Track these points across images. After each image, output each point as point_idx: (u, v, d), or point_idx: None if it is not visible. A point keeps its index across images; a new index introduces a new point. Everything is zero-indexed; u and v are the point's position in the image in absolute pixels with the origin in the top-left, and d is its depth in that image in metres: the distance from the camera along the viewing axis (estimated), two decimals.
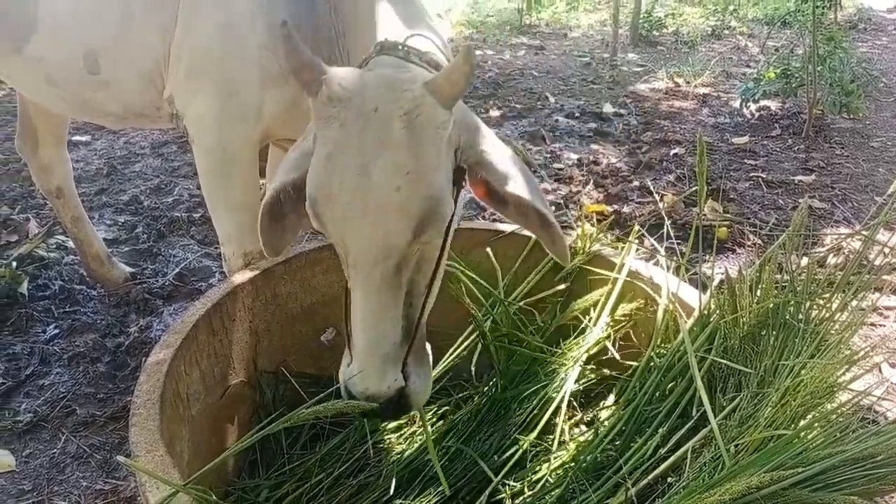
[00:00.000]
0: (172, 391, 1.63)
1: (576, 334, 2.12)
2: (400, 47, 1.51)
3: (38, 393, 2.71)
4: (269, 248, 1.55)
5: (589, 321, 2.11)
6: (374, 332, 1.31)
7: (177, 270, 3.53)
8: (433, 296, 1.45)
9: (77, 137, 5.12)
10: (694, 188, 4.41)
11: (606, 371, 2.07)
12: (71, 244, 3.58)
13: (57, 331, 3.04)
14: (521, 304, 2.16)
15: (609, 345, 2.05)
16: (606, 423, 1.80)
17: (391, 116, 1.25)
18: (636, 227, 2.26)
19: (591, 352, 2.05)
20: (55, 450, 2.45)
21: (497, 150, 1.41)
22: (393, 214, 1.24)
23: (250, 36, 1.94)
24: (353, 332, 1.34)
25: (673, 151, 5.23)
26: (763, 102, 6.20)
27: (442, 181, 1.29)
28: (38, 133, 3.09)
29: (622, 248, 2.17)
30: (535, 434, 1.89)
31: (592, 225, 2.25)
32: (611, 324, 2.07)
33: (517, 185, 1.36)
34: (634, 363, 1.93)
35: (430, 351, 1.53)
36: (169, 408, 1.57)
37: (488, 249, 2.20)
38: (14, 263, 3.39)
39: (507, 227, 2.32)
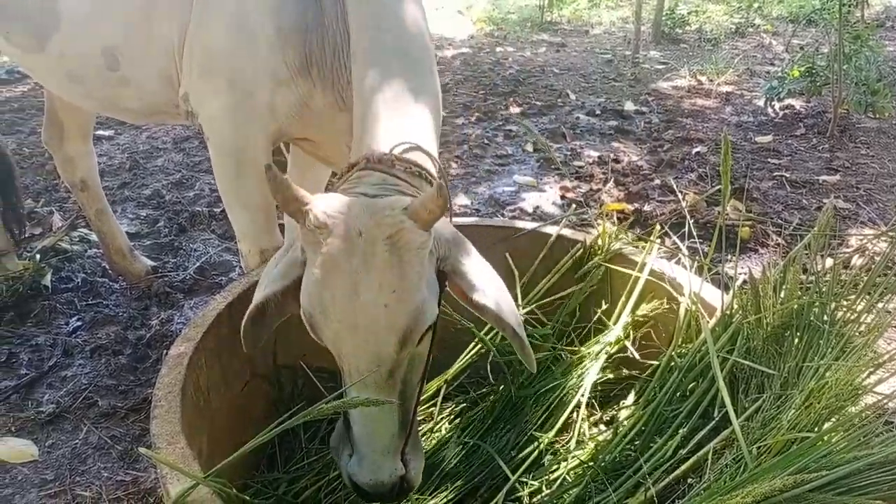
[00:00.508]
0: (193, 384, 1.64)
1: (595, 334, 2.11)
2: (386, 158, 1.56)
3: (61, 384, 2.74)
4: (249, 344, 1.57)
5: (609, 320, 2.10)
6: (374, 432, 1.42)
7: (197, 264, 3.56)
8: (423, 388, 1.55)
9: (100, 132, 5.17)
10: (717, 187, 4.37)
11: (626, 371, 2.05)
12: (94, 237, 3.61)
13: (79, 323, 3.08)
14: (533, 306, 2.14)
15: (629, 344, 2.03)
16: (626, 422, 1.78)
17: (375, 240, 1.34)
18: (657, 226, 2.24)
19: (611, 351, 2.04)
20: (77, 440, 2.48)
21: (475, 264, 1.51)
22: (382, 329, 1.34)
23: (259, 37, 1.94)
24: (353, 430, 1.44)
25: (695, 150, 5.19)
26: (787, 101, 6.13)
27: (425, 294, 1.39)
28: (65, 127, 3.13)
29: (643, 247, 2.16)
30: (553, 433, 1.88)
31: (613, 224, 2.23)
32: (631, 323, 2.06)
33: (489, 299, 1.46)
34: (655, 363, 1.91)
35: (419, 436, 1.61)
36: (190, 401, 1.58)
37: (507, 254, 2.19)
38: (38, 256, 3.44)
39: (526, 225, 2.31)
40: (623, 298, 2.10)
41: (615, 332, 2.05)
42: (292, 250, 1.50)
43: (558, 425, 1.89)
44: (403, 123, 1.67)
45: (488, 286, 1.48)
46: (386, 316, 1.34)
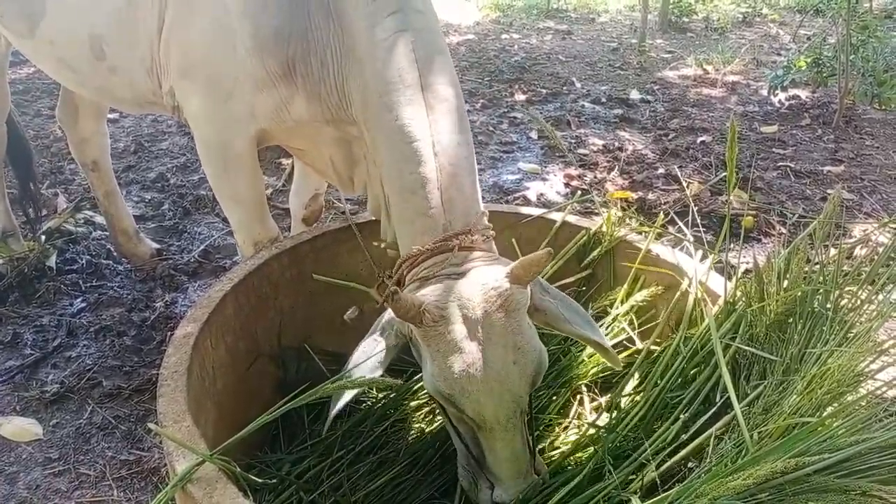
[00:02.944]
0: (199, 364, 1.65)
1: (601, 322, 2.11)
2: (468, 239, 1.62)
3: (65, 364, 2.76)
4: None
5: (612, 306, 2.10)
6: (518, 464, 1.53)
7: (202, 247, 3.57)
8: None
9: None
10: (721, 175, 4.37)
11: (632, 346, 2.06)
12: (98, 219, 3.63)
13: (84, 304, 3.09)
14: None
15: (630, 330, 2.04)
16: (628, 408, 1.79)
17: (489, 313, 1.47)
18: (662, 214, 2.24)
19: (616, 338, 2.05)
20: (81, 420, 2.50)
21: (552, 297, 1.64)
22: (516, 383, 1.48)
23: (237, 41, 1.90)
24: (495, 467, 1.53)
25: (700, 139, 5.18)
26: (793, 91, 6.11)
27: (537, 337, 1.53)
28: (79, 107, 3.13)
29: (647, 234, 2.16)
30: (555, 416, 1.89)
31: (617, 212, 2.23)
32: (633, 310, 2.07)
33: (577, 327, 1.61)
34: (657, 348, 1.92)
35: None
36: (195, 380, 1.59)
37: (513, 240, 2.19)
38: (43, 237, 3.45)
39: (531, 211, 2.32)
40: (626, 285, 2.10)
41: (619, 312, 2.06)
42: (384, 338, 1.59)
43: (559, 410, 1.90)
44: (473, 190, 1.71)
45: (573, 315, 1.61)
46: (517, 371, 1.47)
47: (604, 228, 2.19)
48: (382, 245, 1.98)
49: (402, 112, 1.69)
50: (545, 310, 1.60)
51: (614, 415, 1.81)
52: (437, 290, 1.52)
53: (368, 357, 1.56)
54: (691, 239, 2.10)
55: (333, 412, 1.51)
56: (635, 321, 2.07)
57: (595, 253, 2.18)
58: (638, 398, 1.80)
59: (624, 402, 1.90)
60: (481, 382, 1.44)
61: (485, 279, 1.51)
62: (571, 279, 2.18)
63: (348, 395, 1.50)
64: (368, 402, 2.05)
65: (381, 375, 1.52)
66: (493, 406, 1.46)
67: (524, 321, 1.51)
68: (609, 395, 1.92)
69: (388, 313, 1.60)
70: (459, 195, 1.67)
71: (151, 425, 1.35)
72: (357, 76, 1.83)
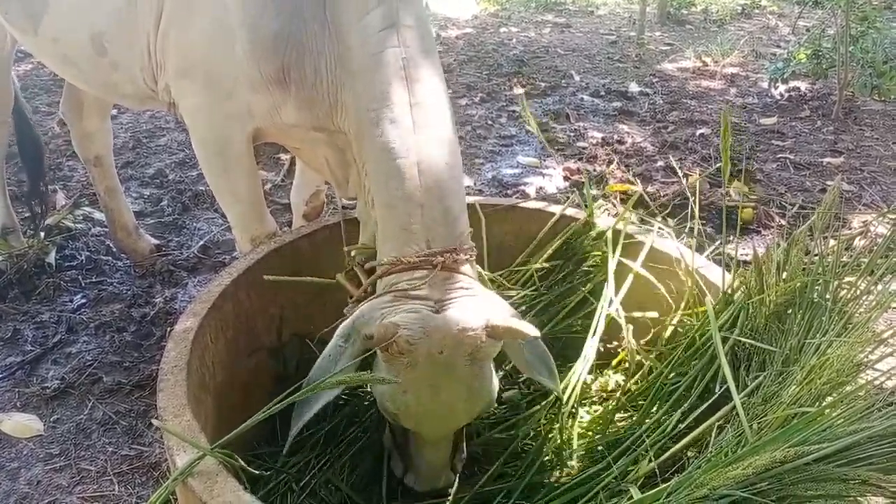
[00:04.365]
0: (199, 359, 1.65)
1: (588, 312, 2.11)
2: (451, 259, 1.62)
3: (66, 360, 2.76)
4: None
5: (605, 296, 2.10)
6: (437, 469, 1.63)
7: (201, 243, 3.57)
8: None
9: None
10: (719, 166, 4.37)
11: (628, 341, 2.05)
12: (97, 216, 3.63)
13: (84, 300, 3.09)
14: (533, 287, 2.15)
15: (624, 323, 2.03)
16: (627, 398, 1.80)
17: (456, 357, 1.47)
18: (661, 207, 2.24)
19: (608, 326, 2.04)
20: (82, 416, 2.50)
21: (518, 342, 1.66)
22: (461, 416, 1.56)
23: (236, 45, 1.90)
24: (416, 462, 1.64)
25: (699, 132, 5.17)
26: (792, 83, 6.10)
27: (495, 382, 1.59)
28: (84, 102, 3.13)
29: (645, 226, 2.16)
30: (548, 402, 1.90)
31: (614, 205, 2.23)
32: (630, 301, 2.06)
33: (536, 373, 1.69)
34: (657, 341, 1.92)
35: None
36: (195, 375, 1.60)
37: (510, 233, 2.19)
38: (42, 234, 3.45)
39: (529, 204, 2.31)
40: (626, 285, 2.10)
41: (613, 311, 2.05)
42: (350, 345, 1.59)
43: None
44: (459, 210, 1.69)
45: (538, 363, 1.68)
46: (465, 406, 1.53)
47: (600, 221, 2.19)
48: (353, 253, 1.95)
49: (388, 129, 1.67)
50: (514, 351, 1.66)
51: (611, 405, 1.81)
52: (412, 319, 1.48)
53: (332, 361, 1.59)
54: (695, 231, 2.10)
55: (296, 428, 1.56)
56: (630, 313, 2.06)
57: (593, 246, 2.17)
58: (636, 388, 1.81)
59: (623, 392, 1.90)
60: (426, 408, 1.50)
61: (462, 323, 1.47)
62: (567, 271, 2.18)
63: (315, 407, 1.55)
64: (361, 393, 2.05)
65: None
66: (432, 428, 1.56)
67: (487, 368, 1.55)
68: (605, 384, 1.91)
69: (354, 317, 1.60)
70: (442, 215, 1.64)
71: (154, 421, 1.36)
72: (350, 87, 1.83)
